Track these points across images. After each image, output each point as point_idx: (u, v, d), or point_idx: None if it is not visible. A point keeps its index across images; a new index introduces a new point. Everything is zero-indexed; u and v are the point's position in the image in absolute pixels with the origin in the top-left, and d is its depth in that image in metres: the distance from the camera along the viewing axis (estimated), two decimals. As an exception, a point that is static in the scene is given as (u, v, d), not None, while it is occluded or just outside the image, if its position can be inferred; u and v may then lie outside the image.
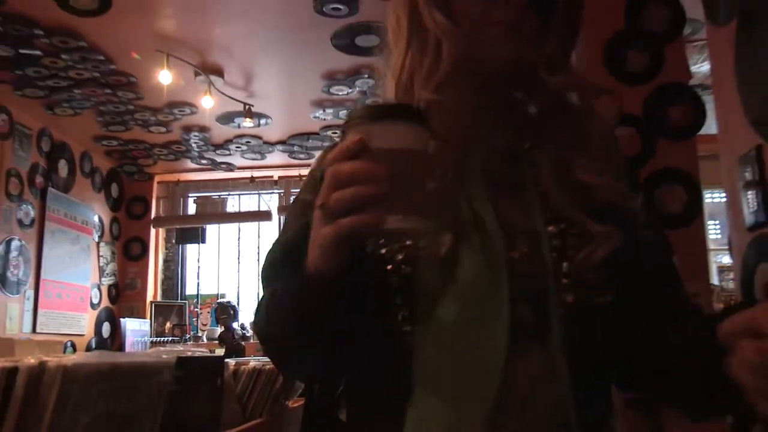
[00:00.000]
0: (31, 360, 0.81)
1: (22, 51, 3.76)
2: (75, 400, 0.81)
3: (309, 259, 0.70)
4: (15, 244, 4.58)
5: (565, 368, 0.73)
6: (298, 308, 0.74)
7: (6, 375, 0.73)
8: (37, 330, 4.71)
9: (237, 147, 5.56)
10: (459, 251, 0.75)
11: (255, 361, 1.75)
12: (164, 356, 1.09)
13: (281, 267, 0.86)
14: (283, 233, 0.93)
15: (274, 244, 0.92)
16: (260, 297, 0.91)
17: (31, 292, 4.74)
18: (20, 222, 4.67)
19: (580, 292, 0.76)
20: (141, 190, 6.31)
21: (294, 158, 5.91)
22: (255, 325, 0.92)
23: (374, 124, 0.63)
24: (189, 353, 1.28)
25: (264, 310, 0.83)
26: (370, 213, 0.62)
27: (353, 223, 0.63)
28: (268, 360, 1.78)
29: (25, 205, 4.73)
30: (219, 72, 4.13)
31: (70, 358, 0.85)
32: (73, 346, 5.06)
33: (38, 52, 3.79)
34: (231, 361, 1.67)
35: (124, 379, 0.94)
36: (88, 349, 5.30)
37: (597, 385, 0.81)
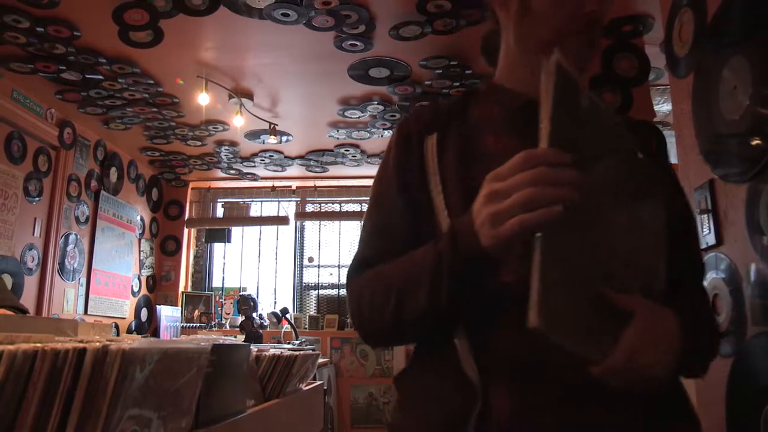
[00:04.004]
0: (96, 343, 0.83)
1: (87, 76, 3.82)
2: (131, 377, 0.84)
3: (477, 238, 0.70)
4: (72, 237, 4.62)
5: None
6: (436, 276, 0.77)
7: (77, 355, 0.76)
8: (88, 312, 4.74)
9: (261, 160, 5.59)
10: None
11: (273, 349, 1.76)
12: (202, 344, 1.11)
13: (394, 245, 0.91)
14: (378, 213, 0.98)
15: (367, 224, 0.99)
16: (358, 282, 0.95)
17: (84, 279, 4.77)
18: (77, 219, 4.71)
19: None
20: (177, 195, 6.33)
21: (310, 171, 5.94)
22: (359, 304, 0.94)
23: None
24: (221, 341, 1.30)
25: (373, 288, 0.88)
26: (553, 211, 0.61)
27: (539, 217, 0.62)
28: (285, 348, 1.80)
29: (81, 205, 4.77)
30: (249, 95, 4.17)
31: (128, 343, 0.88)
32: (117, 327, 5.09)
33: (100, 77, 3.84)
34: (254, 348, 1.69)
35: (170, 361, 0.96)
36: (129, 330, 5.33)
37: None
